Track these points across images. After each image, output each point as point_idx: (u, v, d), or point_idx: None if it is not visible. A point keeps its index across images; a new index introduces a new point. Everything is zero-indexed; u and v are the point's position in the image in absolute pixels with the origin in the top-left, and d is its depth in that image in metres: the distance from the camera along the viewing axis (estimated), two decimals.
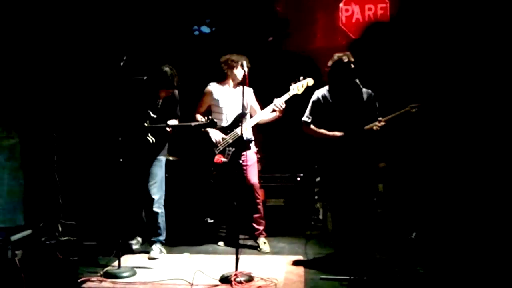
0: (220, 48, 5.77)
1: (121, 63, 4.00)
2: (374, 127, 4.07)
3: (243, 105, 4.12)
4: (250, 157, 4.73)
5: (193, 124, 4.36)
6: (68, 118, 5.51)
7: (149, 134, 4.43)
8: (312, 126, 4.25)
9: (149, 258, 4.42)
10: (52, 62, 5.36)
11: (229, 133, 4.67)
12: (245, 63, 4.33)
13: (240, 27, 5.85)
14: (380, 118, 4.13)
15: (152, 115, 4.45)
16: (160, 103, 4.52)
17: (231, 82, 4.77)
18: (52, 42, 5.34)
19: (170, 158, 5.42)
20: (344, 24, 5.77)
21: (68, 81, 5.52)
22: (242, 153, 4.54)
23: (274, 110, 4.62)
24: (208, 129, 4.68)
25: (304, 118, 4.30)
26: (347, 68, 4.01)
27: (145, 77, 4.47)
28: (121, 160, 4.01)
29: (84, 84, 5.60)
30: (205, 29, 5.96)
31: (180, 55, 5.88)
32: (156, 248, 4.50)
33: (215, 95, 4.76)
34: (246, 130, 4.64)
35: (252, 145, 4.80)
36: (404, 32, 5.44)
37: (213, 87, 4.81)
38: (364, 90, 4.08)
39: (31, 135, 5.21)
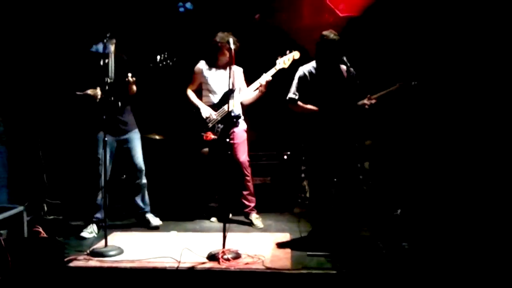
0: (206, 24, 5.70)
1: (105, 40, 3.94)
2: (365, 105, 4.08)
3: (231, 83, 4.09)
4: (239, 135, 4.71)
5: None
6: (52, 97, 5.43)
7: (112, 98, 4.34)
8: (299, 103, 4.22)
9: (153, 227, 4.55)
10: (35, 42, 5.26)
11: (218, 110, 4.65)
12: (231, 40, 4.14)
13: (225, 3, 5.76)
14: (369, 95, 4.13)
15: (109, 80, 4.30)
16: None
17: (221, 61, 4.70)
18: (35, 24, 5.23)
19: (157, 137, 5.39)
20: (331, 1, 5.71)
21: (52, 61, 5.42)
22: (231, 131, 4.53)
23: (260, 86, 4.57)
24: (199, 106, 4.68)
25: (291, 95, 4.23)
26: (333, 45, 3.98)
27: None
28: (105, 139, 3.99)
29: (68, 63, 5.50)
30: (190, 5, 5.87)
31: (165, 32, 5.80)
32: (152, 217, 4.61)
33: (205, 73, 4.74)
34: (234, 107, 4.62)
35: (242, 123, 4.77)
36: (392, 8, 5.39)
37: (202, 65, 4.78)
38: (346, 68, 4.07)
39: (15, 115, 5.14)
